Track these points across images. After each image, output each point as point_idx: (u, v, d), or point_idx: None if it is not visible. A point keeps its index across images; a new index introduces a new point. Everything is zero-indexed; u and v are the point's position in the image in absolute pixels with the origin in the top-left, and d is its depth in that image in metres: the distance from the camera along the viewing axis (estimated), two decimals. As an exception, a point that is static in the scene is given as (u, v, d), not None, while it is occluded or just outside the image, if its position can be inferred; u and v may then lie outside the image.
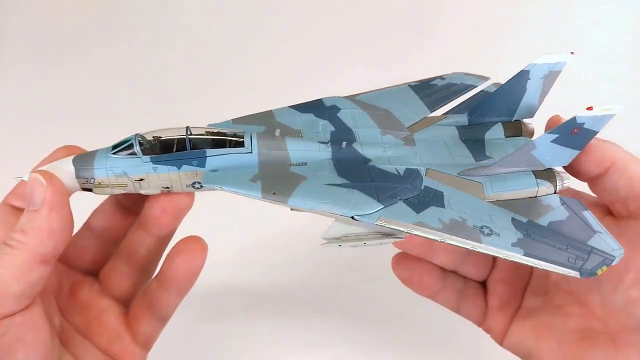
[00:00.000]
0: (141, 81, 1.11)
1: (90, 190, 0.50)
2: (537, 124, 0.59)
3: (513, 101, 0.58)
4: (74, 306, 0.54)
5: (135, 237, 0.55)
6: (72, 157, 0.49)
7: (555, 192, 0.53)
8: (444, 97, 0.63)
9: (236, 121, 0.56)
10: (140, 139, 0.49)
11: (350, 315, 0.86)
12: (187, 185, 0.51)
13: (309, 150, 0.53)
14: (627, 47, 1.12)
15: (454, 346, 0.82)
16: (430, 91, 0.64)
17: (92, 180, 0.49)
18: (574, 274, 0.48)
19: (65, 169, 0.48)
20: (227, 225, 0.71)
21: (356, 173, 0.52)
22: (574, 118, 0.48)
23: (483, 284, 0.63)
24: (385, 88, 0.64)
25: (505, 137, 0.58)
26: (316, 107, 0.58)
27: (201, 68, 1.13)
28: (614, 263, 0.48)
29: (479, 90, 0.65)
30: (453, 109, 0.63)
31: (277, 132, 0.53)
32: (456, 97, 0.64)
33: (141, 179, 0.49)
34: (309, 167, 0.52)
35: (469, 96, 0.65)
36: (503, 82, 0.64)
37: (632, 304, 0.52)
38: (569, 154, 0.52)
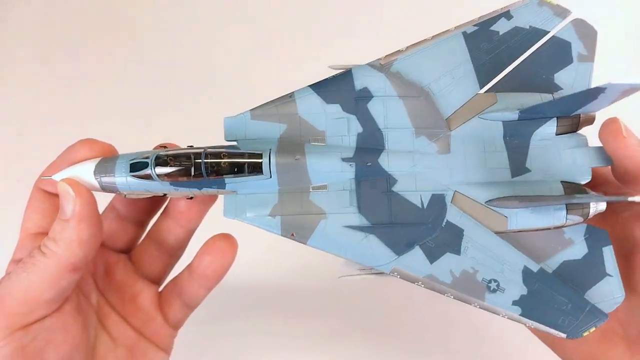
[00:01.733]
0: (147, 76, 1.11)
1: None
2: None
3: (577, 106, 0.52)
4: (110, 285, 0.56)
5: (164, 226, 0.57)
6: (94, 164, 0.49)
7: (586, 219, 0.51)
8: (503, 57, 0.54)
9: (255, 115, 0.51)
10: (157, 162, 0.48)
11: (350, 315, 0.86)
12: (211, 194, 0.51)
13: (331, 171, 0.50)
14: (627, 47, 1.12)
15: (454, 346, 0.82)
16: (489, 45, 0.55)
17: (117, 192, 0.50)
18: (561, 335, 0.49)
19: (87, 180, 0.49)
20: (228, 224, 0.71)
21: (377, 207, 0.49)
22: (626, 199, 0.48)
23: None
24: (437, 36, 0.55)
25: (557, 134, 0.53)
26: (344, 92, 0.52)
27: (204, 63, 1.13)
28: (603, 322, 0.49)
29: (550, 36, 0.56)
30: (507, 75, 0.54)
31: (298, 156, 0.49)
32: (519, 55, 0.55)
33: (165, 194, 0.51)
34: (329, 194, 0.49)
35: (534, 49, 0.55)
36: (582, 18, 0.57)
37: None
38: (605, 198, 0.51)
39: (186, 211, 0.55)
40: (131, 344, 0.55)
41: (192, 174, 0.48)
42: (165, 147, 0.51)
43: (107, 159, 0.49)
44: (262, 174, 0.48)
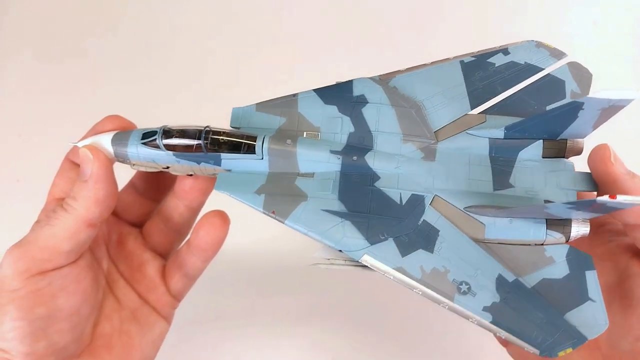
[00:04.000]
0: (147, 76, 1.11)
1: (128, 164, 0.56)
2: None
3: (559, 126, 0.51)
4: (121, 254, 0.61)
5: (171, 204, 0.62)
6: (112, 134, 0.55)
7: (567, 240, 0.49)
8: (496, 85, 0.56)
9: (260, 108, 0.56)
10: (165, 133, 0.53)
11: (351, 315, 0.86)
12: (208, 174, 0.56)
13: (319, 161, 0.52)
14: (627, 47, 1.12)
15: (455, 346, 0.82)
16: (484, 74, 0.57)
17: (127, 160, 0.55)
18: (533, 350, 0.46)
19: (105, 147, 0.54)
20: (229, 209, 0.71)
21: (357, 197, 0.51)
22: (594, 200, 0.42)
23: None
24: (435, 63, 0.58)
25: (543, 157, 0.53)
26: (342, 97, 0.55)
27: (204, 61, 1.13)
28: (585, 342, 0.46)
29: (545, 73, 0.57)
30: (498, 104, 0.56)
31: (289, 141, 0.53)
32: (512, 86, 0.56)
33: (167, 167, 0.55)
34: (314, 181, 0.52)
35: (527, 84, 0.57)
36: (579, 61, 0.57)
37: (637, 355, 0.51)
38: (589, 215, 0.48)
39: (189, 190, 0.60)
40: (135, 308, 0.60)
41: (194, 147, 0.53)
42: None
43: (124, 131, 0.55)
44: (255, 154, 0.52)
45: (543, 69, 0.57)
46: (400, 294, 0.85)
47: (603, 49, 1.10)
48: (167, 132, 0.53)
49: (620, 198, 0.40)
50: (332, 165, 0.52)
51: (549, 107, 0.55)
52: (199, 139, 0.53)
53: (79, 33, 1.15)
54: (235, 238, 0.61)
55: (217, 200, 0.58)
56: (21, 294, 0.50)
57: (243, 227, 0.63)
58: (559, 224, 0.49)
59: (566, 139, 0.53)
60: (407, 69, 0.57)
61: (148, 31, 1.16)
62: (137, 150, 0.54)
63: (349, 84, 0.56)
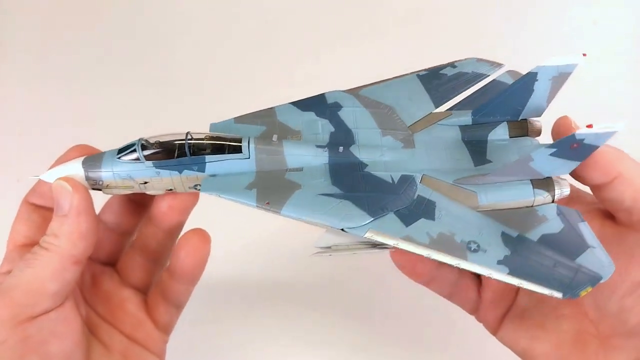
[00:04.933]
0: (147, 77, 1.11)
1: (99, 190, 0.53)
2: (544, 123, 0.57)
3: (519, 102, 0.56)
4: (97, 296, 0.58)
5: (147, 231, 0.59)
6: (82, 158, 0.52)
7: (553, 201, 0.52)
8: (452, 88, 0.61)
9: (238, 120, 0.56)
10: (143, 143, 0.52)
11: (351, 315, 0.86)
12: (189, 187, 0.53)
13: (306, 155, 0.53)
14: (627, 47, 1.12)
15: (455, 346, 0.83)
16: (439, 82, 0.62)
17: (101, 182, 0.52)
18: (557, 295, 0.47)
19: (75, 172, 0.51)
20: (226, 222, 0.71)
21: (350, 181, 0.52)
22: (573, 135, 0.45)
23: (478, 277, 0.62)
24: (393, 78, 0.62)
25: (510, 137, 0.57)
26: (318, 105, 0.58)
27: (202, 66, 1.13)
28: (601, 282, 0.47)
29: (491, 79, 0.63)
30: (459, 103, 0.61)
31: (275, 137, 0.54)
32: (465, 89, 0.62)
33: (146, 182, 0.52)
34: (304, 174, 0.52)
35: (478, 88, 0.63)
36: (515, 70, 0.63)
37: (625, 312, 0.52)
38: (568, 166, 0.50)
39: (168, 211, 0.56)
40: (124, 350, 0.56)
41: (176, 152, 0.51)
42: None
43: (94, 155, 0.52)
44: (242, 153, 0.52)
45: (488, 75, 0.64)
46: (400, 294, 0.85)
47: (603, 49, 1.10)
48: (146, 142, 0.51)
49: (596, 127, 0.43)
50: (319, 158, 0.53)
51: None
52: (180, 144, 0.51)
53: (79, 33, 1.15)
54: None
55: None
56: (9, 345, 0.46)
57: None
58: (543, 184, 0.52)
59: (526, 120, 0.57)
60: (370, 83, 0.61)
61: (148, 33, 1.16)
62: (112, 168, 0.51)
63: (321, 96, 0.59)
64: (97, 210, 0.57)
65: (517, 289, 0.60)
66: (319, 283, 0.89)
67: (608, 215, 0.54)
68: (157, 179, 0.52)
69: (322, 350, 0.83)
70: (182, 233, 0.59)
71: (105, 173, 0.51)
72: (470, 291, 0.61)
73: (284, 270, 0.91)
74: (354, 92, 0.60)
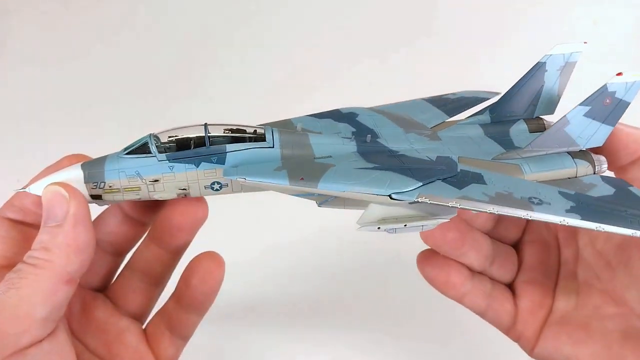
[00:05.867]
0: (146, 78, 1.11)
1: (99, 197, 0.46)
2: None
3: (533, 95, 0.56)
4: (89, 327, 0.50)
5: (148, 252, 0.52)
6: (80, 163, 0.45)
7: (594, 173, 0.51)
8: (459, 107, 0.62)
9: None
10: (155, 139, 0.46)
11: (351, 315, 0.86)
12: (205, 187, 0.47)
13: (334, 144, 0.50)
14: (627, 47, 1.12)
15: (456, 345, 0.82)
16: (445, 102, 0.63)
17: (103, 184, 0.45)
18: (637, 233, 0.44)
19: (72, 175, 0.45)
20: (229, 230, 0.71)
21: (386, 160, 0.48)
22: (605, 86, 0.46)
23: (510, 288, 0.59)
24: (400, 102, 0.63)
25: (530, 132, 0.56)
26: (334, 114, 0.57)
27: (203, 70, 1.13)
28: None
29: (491, 102, 0.62)
30: (472, 115, 0.60)
31: (299, 126, 0.52)
32: (471, 107, 0.62)
33: (156, 180, 0.46)
34: (334, 159, 0.48)
35: (485, 106, 0.62)
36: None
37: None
38: (602, 132, 0.50)
39: (175, 230, 0.49)
40: None
41: (193, 143, 0.46)
42: None
43: (95, 158, 0.47)
44: (265, 141, 0.48)
45: (489, 99, 0.64)
46: (401, 293, 0.85)
47: (603, 49, 1.10)
48: (157, 137, 0.46)
49: (625, 74, 0.44)
50: (347, 147, 0.50)
51: None
52: (199, 135, 0.46)
53: (80, 35, 1.15)
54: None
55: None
56: None
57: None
58: (582, 155, 0.51)
59: (541, 118, 0.57)
60: (379, 106, 0.61)
61: (151, 35, 1.16)
62: (117, 165, 0.45)
63: (336, 110, 0.58)
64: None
65: (554, 294, 0.58)
66: (319, 285, 0.89)
67: None
68: (169, 176, 0.46)
69: (323, 351, 0.83)
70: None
71: (109, 172, 0.45)
72: (506, 302, 0.57)
73: (282, 276, 0.91)
74: (367, 108, 0.59)
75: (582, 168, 0.51)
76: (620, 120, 0.50)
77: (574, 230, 0.57)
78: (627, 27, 1.13)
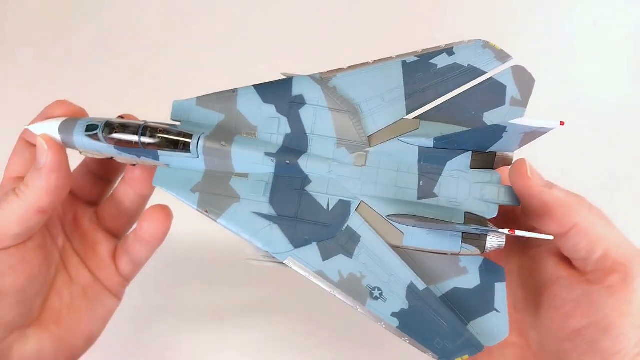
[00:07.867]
0: (146, 78, 1.11)
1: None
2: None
3: (487, 142, 0.52)
4: (76, 232, 0.64)
5: (122, 190, 0.64)
6: (61, 120, 0.56)
7: (482, 253, 0.52)
8: (435, 89, 0.56)
9: (200, 101, 0.57)
10: (107, 126, 0.55)
11: (352, 314, 0.86)
12: (150, 166, 0.57)
13: (253, 162, 0.54)
14: (627, 47, 1.12)
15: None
16: (424, 76, 0.56)
17: (74, 148, 0.57)
18: (434, 356, 0.50)
19: (53, 131, 0.56)
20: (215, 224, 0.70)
21: (287, 202, 0.54)
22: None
23: None
24: (376, 62, 0.57)
25: (471, 167, 0.53)
26: (281, 96, 0.56)
27: (198, 69, 1.13)
28: (482, 350, 0.49)
29: (487, 77, 0.56)
30: (436, 107, 0.56)
31: (223, 142, 0.54)
32: (451, 91, 0.56)
33: (111, 157, 0.57)
34: (248, 182, 0.54)
35: (467, 89, 0.56)
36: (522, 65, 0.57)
37: (562, 355, 0.52)
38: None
39: (137, 180, 0.62)
40: (86, 284, 0.63)
41: (132, 142, 0.55)
42: (122, 117, 0.58)
43: (71, 120, 0.56)
44: (190, 152, 0.54)
45: (486, 72, 0.57)
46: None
47: (603, 49, 1.10)
48: (109, 126, 0.55)
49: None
50: (266, 167, 0.54)
51: (485, 114, 0.56)
52: (136, 135, 0.54)
53: (79, 32, 1.15)
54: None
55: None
56: None
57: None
58: (475, 237, 0.51)
59: (495, 152, 0.54)
60: (349, 67, 0.57)
61: (147, 35, 1.16)
62: (82, 140, 0.55)
63: (288, 82, 0.56)
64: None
65: None
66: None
67: (563, 258, 0.54)
68: (120, 157, 0.57)
69: (322, 350, 0.83)
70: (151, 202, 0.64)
71: (77, 141, 0.55)
72: None
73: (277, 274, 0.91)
74: (326, 79, 0.56)
75: (466, 252, 0.52)
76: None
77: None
78: (627, 27, 1.13)
